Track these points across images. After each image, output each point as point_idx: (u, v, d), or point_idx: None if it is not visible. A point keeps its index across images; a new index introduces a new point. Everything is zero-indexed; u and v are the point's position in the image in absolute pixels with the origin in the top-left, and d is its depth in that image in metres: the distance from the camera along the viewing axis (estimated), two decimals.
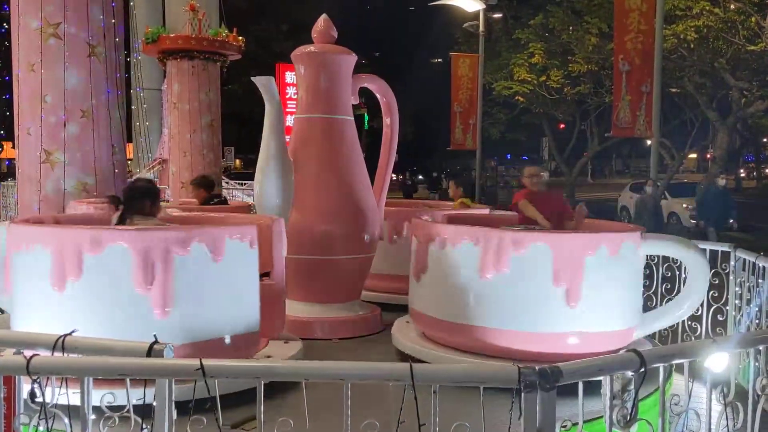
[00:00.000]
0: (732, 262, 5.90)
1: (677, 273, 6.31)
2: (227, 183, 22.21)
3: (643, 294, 6.60)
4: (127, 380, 2.23)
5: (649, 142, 35.61)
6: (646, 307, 6.57)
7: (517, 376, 2.01)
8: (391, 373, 2.03)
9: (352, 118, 6.01)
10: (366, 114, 37.16)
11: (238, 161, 46.56)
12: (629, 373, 2.29)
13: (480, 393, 2.06)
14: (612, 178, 61.46)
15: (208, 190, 8.76)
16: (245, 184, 25.47)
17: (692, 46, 16.82)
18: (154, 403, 2.18)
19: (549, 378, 2.03)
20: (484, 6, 17.70)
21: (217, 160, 15.56)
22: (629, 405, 2.30)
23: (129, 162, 16.11)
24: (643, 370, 2.24)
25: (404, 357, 4.58)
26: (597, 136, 27.44)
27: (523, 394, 2.02)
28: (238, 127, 39.52)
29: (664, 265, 6.45)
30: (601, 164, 63.89)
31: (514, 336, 4.11)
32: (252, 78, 5.28)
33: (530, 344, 4.08)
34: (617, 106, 11.88)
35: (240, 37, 15.35)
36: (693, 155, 38.10)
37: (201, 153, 14.92)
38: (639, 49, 11.62)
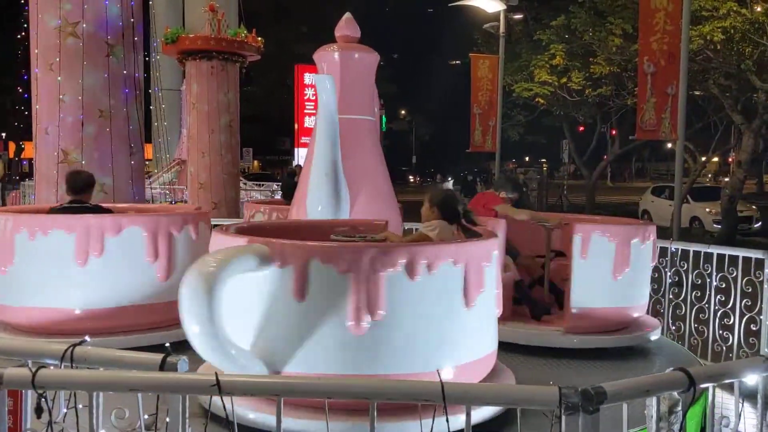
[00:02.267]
0: (766, 270, 5.67)
1: (707, 281, 6.12)
2: (245, 184, 22.18)
3: (672, 302, 6.43)
4: (139, 395, 2.10)
5: (669, 145, 35.14)
6: (676, 315, 6.39)
7: (558, 398, 1.86)
8: (421, 392, 1.88)
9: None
10: (384, 115, 37.08)
11: (256, 162, 46.64)
12: (676, 394, 2.13)
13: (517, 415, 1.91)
14: (631, 181, 60.96)
15: None
16: (262, 185, 25.49)
17: (718, 47, 16.51)
18: (167, 420, 2.06)
19: (592, 400, 1.87)
20: (505, 7, 17.49)
21: (235, 161, 15.53)
22: (676, 428, 2.13)
23: (147, 162, 16.11)
24: (691, 390, 2.08)
25: None
26: (618, 138, 27.12)
27: (564, 417, 1.87)
28: (257, 128, 39.56)
29: (694, 272, 6.25)
30: (621, 167, 63.38)
31: None
32: (313, 75, 5.12)
33: None
34: (641, 108, 11.64)
35: (259, 38, 15.29)
36: (715, 159, 37.57)
37: (219, 154, 14.89)
38: (664, 50, 11.38)
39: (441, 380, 1.88)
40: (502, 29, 17.47)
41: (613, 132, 28.55)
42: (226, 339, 2.88)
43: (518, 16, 22.65)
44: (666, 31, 11.39)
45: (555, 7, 22.57)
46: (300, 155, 28.80)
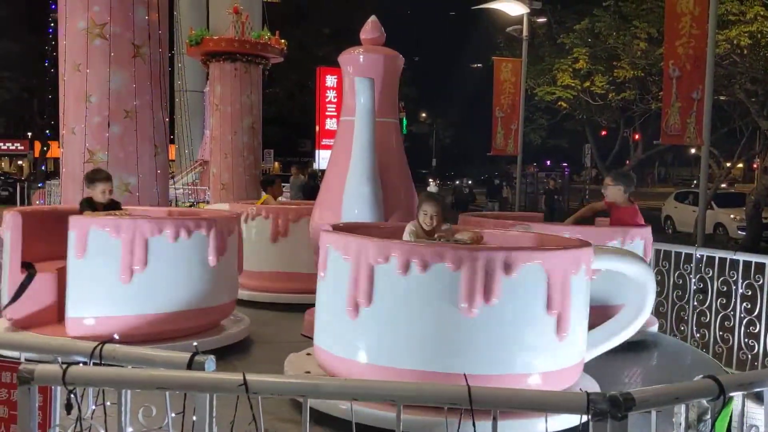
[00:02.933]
0: None
1: (733, 288, 6.05)
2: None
3: (696, 310, 6.36)
4: (167, 393, 2.12)
5: (693, 150, 34.70)
6: (700, 323, 6.32)
7: (586, 404, 1.84)
8: (447, 395, 1.88)
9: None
10: (404, 118, 37.07)
11: (277, 164, 46.86)
12: (705, 402, 2.11)
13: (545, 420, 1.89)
14: (654, 186, 60.38)
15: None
16: (284, 186, 25.57)
17: (745, 51, 16.32)
18: (194, 418, 2.07)
19: (620, 406, 1.86)
20: (528, 10, 17.42)
21: (256, 162, 15.62)
22: None
23: (170, 163, 16.24)
24: (721, 398, 2.05)
25: None
26: (641, 143, 26.88)
27: (591, 423, 1.85)
28: (278, 129, 39.74)
29: (720, 279, 6.17)
30: (644, 172, 62.78)
31: None
32: (356, 78, 5.11)
33: None
34: (666, 113, 11.52)
35: (282, 41, 15.35)
36: (740, 165, 37.08)
37: (241, 155, 14.98)
38: (690, 54, 11.26)
39: (468, 384, 1.87)
40: (525, 32, 17.40)
41: (637, 136, 28.30)
42: None
43: (542, 20, 22.53)
44: (692, 35, 11.27)
45: (579, 10, 22.44)
46: (321, 157, 28.87)
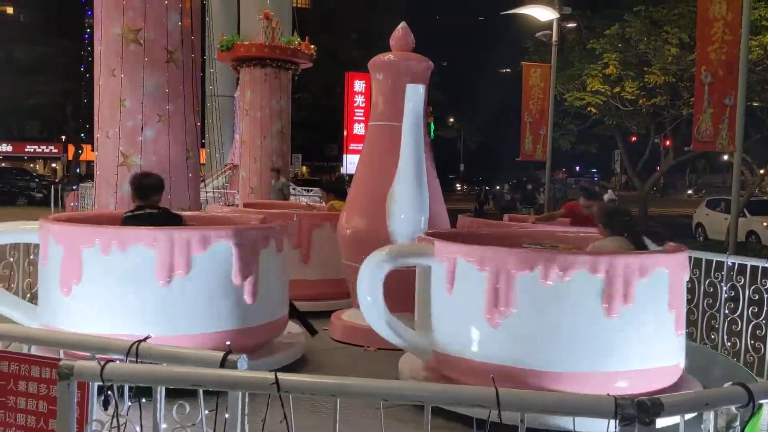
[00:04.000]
0: None
1: (765, 296, 5.96)
2: (294, 189, 22.45)
3: (727, 318, 6.27)
4: (200, 391, 2.17)
5: (725, 157, 34.18)
6: (731, 331, 6.24)
7: (614, 408, 1.85)
8: (475, 398, 1.90)
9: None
10: (432, 123, 37.06)
11: (305, 168, 47.16)
12: (734, 409, 2.10)
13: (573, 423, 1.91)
14: (684, 193, 59.56)
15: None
16: (311, 190, 25.75)
17: None
18: (227, 416, 2.12)
19: (648, 411, 1.86)
20: (558, 16, 17.36)
21: (285, 167, 15.73)
22: None
23: (201, 167, 16.45)
24: (750, 405, 2.04)
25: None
26: (672, 149, 26.53)
27: (619, 428, 1.86)
28: (306, 134, 39.99)
29: (751, 288, 6.09)
30: (674, 179, 61.98)
31: None
32: (408, 85, 5.18)
33: None
34: (698, 119, 11.41)
35: (312, 46, 15.46)
36: None
37: (270, 159, 15.11)
38: (723, 60, 11.14)
39: (496, 387, 1.89)
40: (554, 38, 17.33)
41: (667, 143, 27.94)
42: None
43: (571, 25, 22.40)
44: (725, 41, 11.15)
45: (609, 15, 22.26)
46: (349, 161, 29.00)
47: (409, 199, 5.18)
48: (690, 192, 57.45)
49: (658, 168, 29.35)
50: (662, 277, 3.81)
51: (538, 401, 1.89)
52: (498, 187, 40.85)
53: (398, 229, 5.22)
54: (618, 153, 29.29)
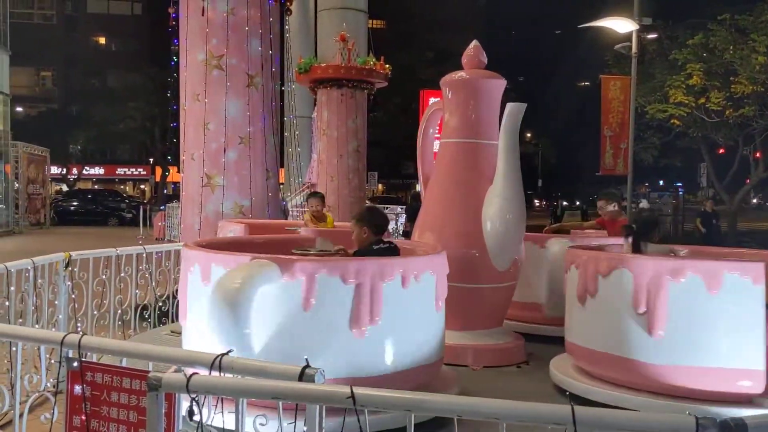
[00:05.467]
0: None
1: None
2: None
3: None
4: (279, 403, 2.24)
5: None
6: None
7: (695, 428, 1.80)
8: (551, 415, 1.89)
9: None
10: None
11: (380, 186, 47.56)
12: None
13: None
14: None
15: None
16: (387, 207, 25.91)
17: None
18: (304, 428, 2.17)
19: None
20: (638, 27, 16.94)
21: (361, 185, 15.95)
22: None
23: (280, 186, 16.86)
24: None
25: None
26: (762, 161, 25.35)
27: None
28: (381, 152, 40.34)
29: None
30: (766, 192, 59.05)
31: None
32: (508, 103, 5.43)
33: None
34: None
35: (387, 65, 15.67)
36: None
37: (347, 178, 15.35)
38: None
39: (571, 404, 1.88)
40: (634, 49, 16.93)
41: (758, 155, 26.73)
42: None
43: (652, 36, 21.83)
44: None
45: (692, 25, 21.59)
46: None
47: (507, 218, 5.30)
48: None
49: (748, 180, 28.08)
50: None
51: (616, 420, 1.86)
52: (578, 203, 39.94)
53: (495, 248, 5.35)
54: (704, 166, 28.17)
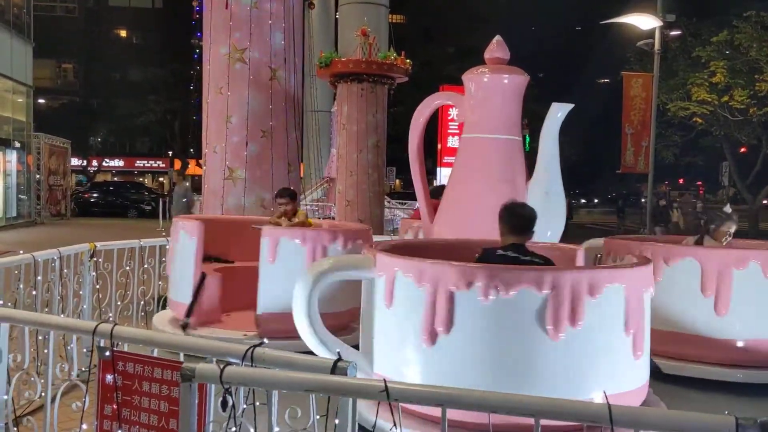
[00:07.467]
0: None
1: None
2: (389, 202, 22.66)
3: None
4: (311, 396, 2.24)
5: None
6: None
7: (734, 428, 1.78)
8: (587, 413, 1.88)
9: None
10: (528, 135, 36.48)
11: (398, 181, 47.49)
12: None
13: None
14: None
15: None
16: (405, 203, 25.89)
17: None
18: (336, 421, 2.18)
19: None
20: (661, 23, 16.77)
21: (380, 180, 15.93)
22: None
23: (300, 180, 16.90)
24: None
25: None
26: None
27: None
28: (400, 147, 40.28)
29: None
30: None
31: None
32: (554, 103, 5.55)
33: None
34: None
35: (408, 60, 15.62)
36: None
37: (366, 172, 15.33)
38: None
39: (608, 403, 1.86)
40: (657, 46, 16.76)
41: None
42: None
43: (675, 33, 21.60)
44: None
45: (717, 22, 21.34)
46: (443, 174, 28.96)
47: (555, 211, 5.42)
48: None
49: None
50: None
51: (653, 419, 1.84)
52: (573, 201, 39.24)
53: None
54: (726, 165, 27.86)
